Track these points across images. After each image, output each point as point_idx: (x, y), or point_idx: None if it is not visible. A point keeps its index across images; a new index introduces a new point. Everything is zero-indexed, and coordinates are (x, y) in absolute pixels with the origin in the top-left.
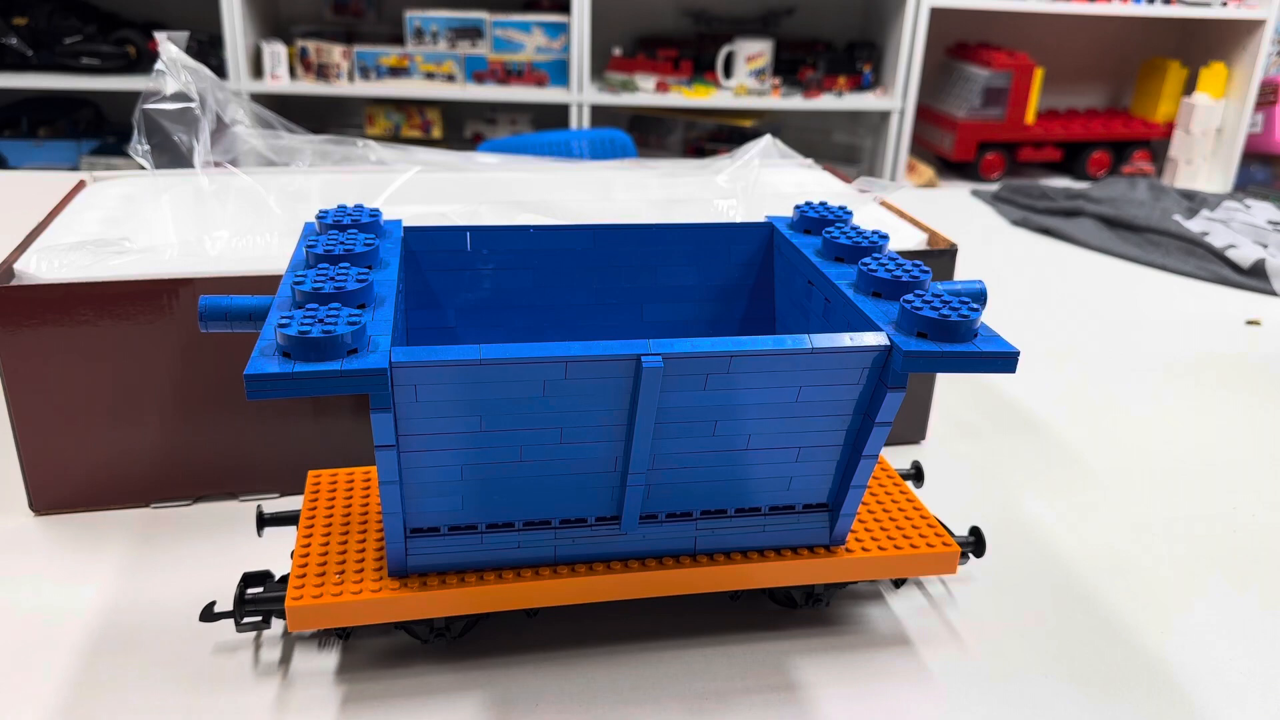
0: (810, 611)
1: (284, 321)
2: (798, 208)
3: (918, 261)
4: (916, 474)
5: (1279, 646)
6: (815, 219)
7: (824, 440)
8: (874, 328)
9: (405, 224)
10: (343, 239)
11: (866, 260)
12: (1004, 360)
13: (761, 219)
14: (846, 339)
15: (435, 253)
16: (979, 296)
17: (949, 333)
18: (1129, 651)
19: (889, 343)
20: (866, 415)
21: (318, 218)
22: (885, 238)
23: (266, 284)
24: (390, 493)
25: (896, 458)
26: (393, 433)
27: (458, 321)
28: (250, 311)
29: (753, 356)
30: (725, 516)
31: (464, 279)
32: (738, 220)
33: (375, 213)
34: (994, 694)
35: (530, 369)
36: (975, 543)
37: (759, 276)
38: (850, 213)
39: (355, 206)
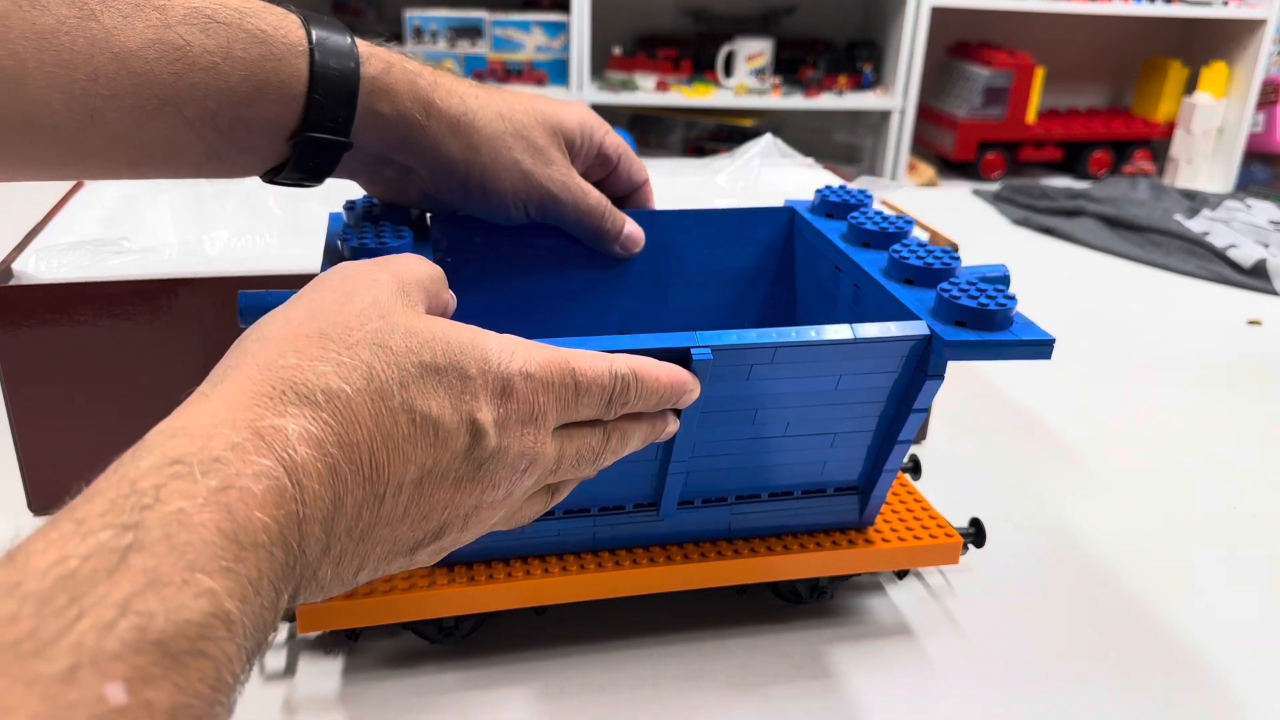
0: (814, 605)
1: None
2: (819, 192)
3: (947, 248)
4: (914, 468)
5: (1276, 645)
6: (837, 203)
7: (859, 426)
8: (911, 316)
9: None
10: (376, 232)
11: (897, 247)
12: (1041, 347)
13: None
14: (890, 328)
15: (460, 245)
16: (1005, 280)
17: (987, 321)
18: (1125, 641)
19: (930, 332)
20: (903, 402)
21: (345, 208)
22: (910, 223)
23: (266, 284)
24: None
25: None
26: None
27: (484, 314)
28: None
29: (797, 347)
30: (759, 500)
31: (491, 269)
32: None
33: None
34: (993, 681)
35: None
36: (975, 533)
37: (780, 261)
38: (870, 197)
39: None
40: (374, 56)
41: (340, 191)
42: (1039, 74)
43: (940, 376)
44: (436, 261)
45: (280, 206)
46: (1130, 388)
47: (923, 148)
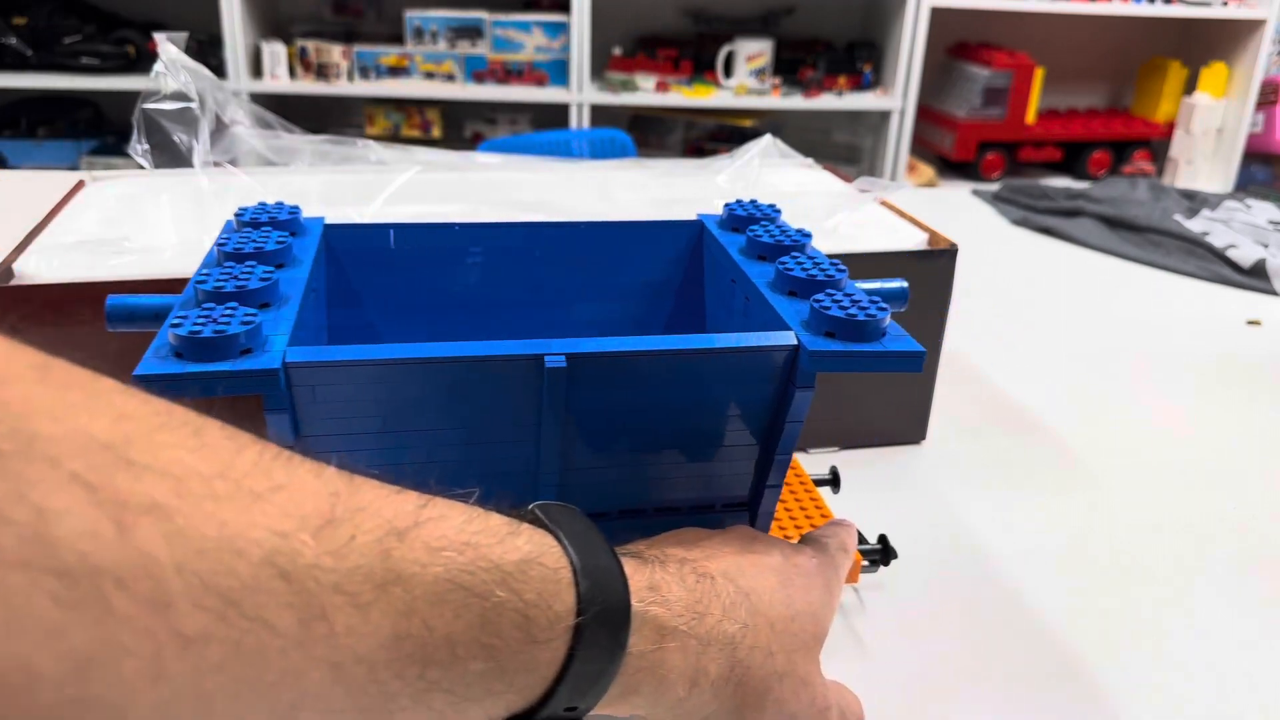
0: None
1: (177, 321)
2: (727, 205)
3: (835, 260)
4: (833, 480)
5: (1276, 646)
6: (743, 217)
7: (739, 439)
8: (785, 327)
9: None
10: (255, 237)
11: (784, 259)
12: (910, 359)
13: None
14: (752, 338)
15: (358, 251)
16: (900, 296)
17: (856, 332)
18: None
19: (796, 342)
20: (777, 415)
21: (236, 215)
22: (808, 236)
23: None
24: None
25: (896, 458)
26: (290, 434)
27: (381, 320)
28: (157, 311)
29: (659, 356)
30: (644, 515)
31: (388, 277)
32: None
33: (295, 210)
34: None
35: (430, 369)
36: (882, 551)
37: (689, 274)
38: (779, 211)
39: (276, 204)
40: (647, 619)
41: (339, 196)
42: (1038, 74)
43: (810, 387)
44: (332, 270)
45: None
46: (1130, 388)
47: (922, 148)
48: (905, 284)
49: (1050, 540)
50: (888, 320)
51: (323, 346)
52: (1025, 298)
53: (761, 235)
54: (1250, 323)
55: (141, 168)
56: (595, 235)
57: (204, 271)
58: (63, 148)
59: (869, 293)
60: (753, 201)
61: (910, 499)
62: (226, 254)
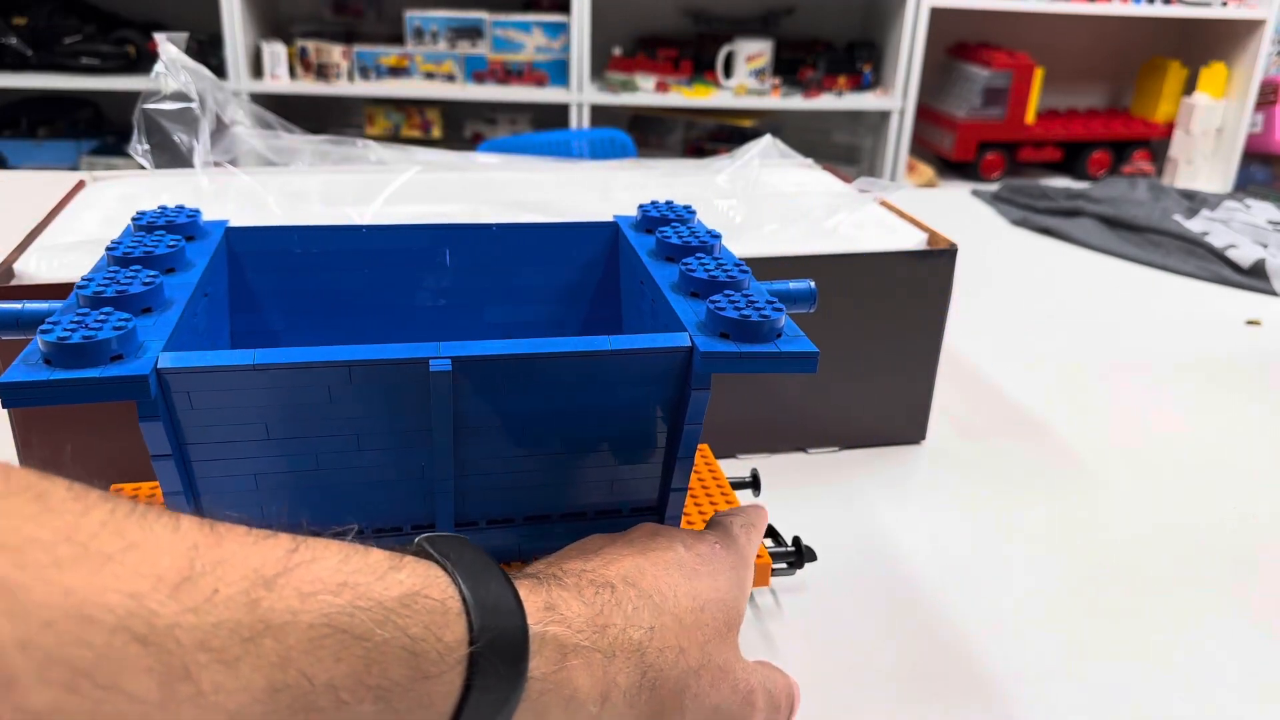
0: None
1: (48, 327)
2: (641, 207)
3: (740, 262)
4: (754, 483)
5: (1276, 647)
6: (656, 218)
7: (641, 443)
8: (682, 329)
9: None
10: (147, 241)
11: (688, 260)
12: (805, 360)
13: (765, 217)
14: (643, 340)
15: (261, 254)
16: (806, 297)
17: (750, 333)
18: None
19: (689, 344)
20: (676, 417)
21: (133, 219)
22: (717, 237)
23: None
24: (176, 504)
25: (898, 458)
26: (167, 442)
27: (285, 324)
28: (41, 318)
29: (551, 359)
30: (549, 521)
31: (292, 281)
32: (738, 220)
33: (194, 213)
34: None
35: (311, 374)
36: (796, 553)
37: (604, 276)
38: (693, 212)
39: (175, 207)
40: (546, 640)
41: (339, 195)
42: (1038, 74)
43: (705, 389)
44: (234, 274)
45: (280, 206)
46: (1130, 388)
47: (922, 148)
48: (811, 284)
49: (1048, 540)
50: (783, 321)
51: (199, 352)
52: (1025, 298)
53: (670, 237)
54: (1250, 323)
55: (142, 168)
56: (506, 237)
57: (87, 277)
58: (63, 148)
59: (770, 293)
60: (668, 203)
61: (909, 499)
62: (115, 258)
